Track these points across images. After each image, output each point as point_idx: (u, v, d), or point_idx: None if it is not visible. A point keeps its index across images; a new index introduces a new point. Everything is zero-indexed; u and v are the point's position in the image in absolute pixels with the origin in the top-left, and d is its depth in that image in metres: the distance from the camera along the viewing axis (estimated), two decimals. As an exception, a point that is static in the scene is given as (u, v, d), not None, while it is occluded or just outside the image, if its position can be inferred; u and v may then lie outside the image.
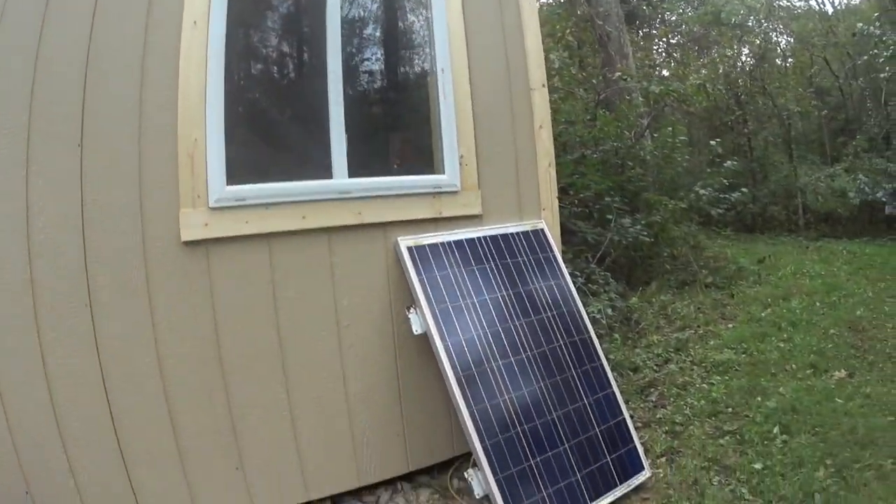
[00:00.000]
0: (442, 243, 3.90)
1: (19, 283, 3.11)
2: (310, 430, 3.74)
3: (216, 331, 3.48)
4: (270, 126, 3.97)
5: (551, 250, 4.24)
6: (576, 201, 7.05)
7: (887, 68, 10.69)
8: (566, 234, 6.82)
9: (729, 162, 8.52)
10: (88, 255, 3.22)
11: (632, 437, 4.05)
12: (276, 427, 3.67)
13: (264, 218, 3.54)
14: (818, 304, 6.94)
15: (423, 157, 4.07)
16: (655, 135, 8.37)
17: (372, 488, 4.08)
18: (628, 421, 4.08)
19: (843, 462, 3.96)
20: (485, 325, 3.81)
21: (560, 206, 6.68)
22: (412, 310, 3.71)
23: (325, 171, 3.72)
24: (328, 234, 3.72)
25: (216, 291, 3.46)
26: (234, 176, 3.45)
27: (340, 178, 3.74)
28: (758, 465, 4.05)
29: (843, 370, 5.28)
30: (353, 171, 3.78)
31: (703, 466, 4.14)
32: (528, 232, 4.22)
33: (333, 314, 3.76)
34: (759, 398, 4.91)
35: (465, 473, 3.61)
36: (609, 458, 3.90)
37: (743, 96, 11.96)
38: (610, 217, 6.90)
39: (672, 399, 5.12)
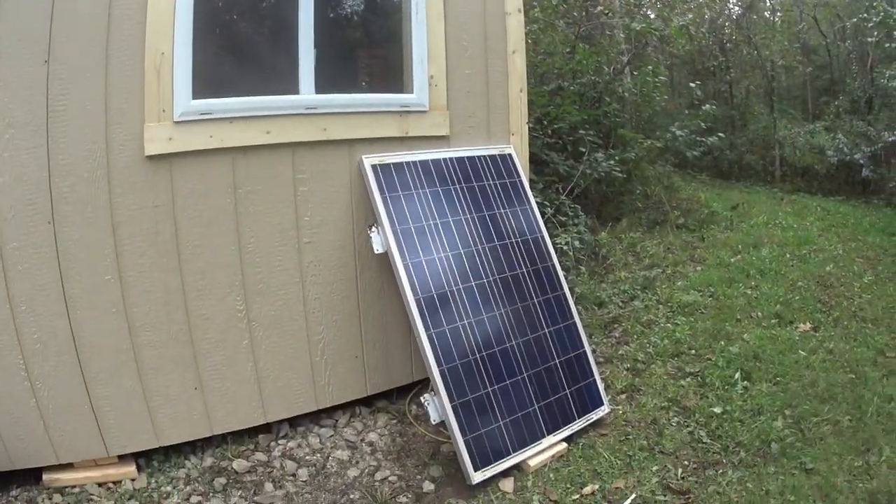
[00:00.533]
0: (407, 163, 3.80)
1: None
2: (268, 348, 3.70)
3: (177, 244, 3.41)
4: (239, 40, 3.88)
5: (518, 176, 4.15)
6: (549, 132, 6.93)
7: (875, 33, 10.53)
8: (538, 164, 6.75)
9: (707, 105, 8.39)
10: (52, 166, 3.12)
11: (592, 371, 4.02)
12: (234, 344, 3.62)
13: (229, 132, 3.45)
14: (788, 255, 6.89)
15: (393, 76, 3.98)
16: (635, 73, 8.21)
17: (330, 411, 4.06)
18: (589, 354, 4.05)
19: (802, 414, 3.96)
20: (447, 247, 3.73)
21: (533, 137, 6.65)
22: (374, 228, 3.63)
23: (292, 87, 3.61)
24: (292, 149, 3.62)
25: (178, 205, 3.38)
26: (200, 90, 3.35)
27: (307, 94, 3.63)
28: (717, 409, 4.04)
29: (808, 323, 5.24)
30: (321, 88, 3.66)
31: (663, 406, 4.13)
32: (495, 156, 4.12)
33: (295, 231, 3.69)
34: (722, 342, 4.89)
35: (421, 398, 3.55)
36: (568, 391, 3.87)
37: (728, 44, 11.76)
38: (583, 150, 6.77)
39: (635, 336, 5.10)
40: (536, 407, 3.70)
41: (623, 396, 4.28)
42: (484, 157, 4.07)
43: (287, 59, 3.59)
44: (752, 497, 3.29)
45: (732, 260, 6.66)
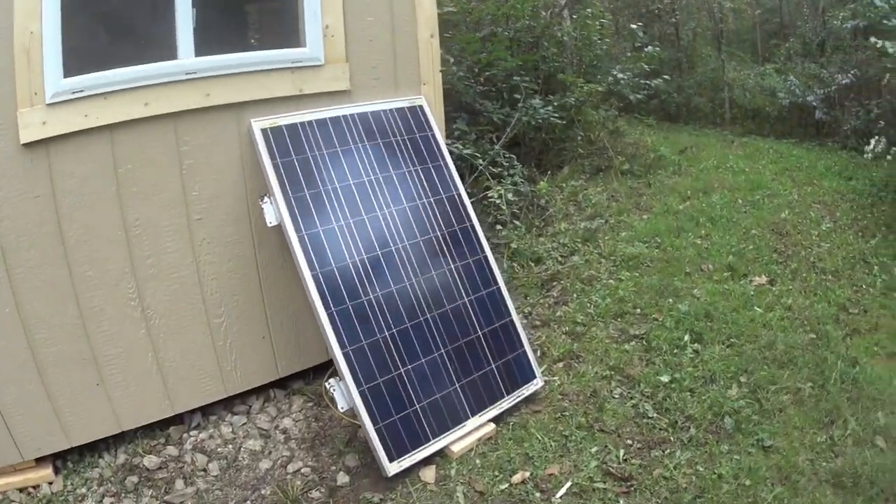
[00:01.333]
0: (302, 123, 3.46)
1: None
2: (167, 336, 3.42)
3: (61, 234, 3.12)
4: (112, 9, 3.48)
5: (430, 129, 3.82)
6: (482, 80, 6.52)
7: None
8: (472, 114, 6.41)
9: (650, 47, 8.00)
10: None
11: (521, 342, 3.73)
12: (130, 335, 3.35)
13: (103, 108, 3.11)
14: (740, 201, 6.54)
15: (288, 31, 3.59)
16: (575, 16, 7.80)
17: (243, 396, 3.80)
18: (517, 323, 3.75)
19: (759, 381, 3.67)
20: (348, 215, 3.41)
21: (466, 86, 6.27)
22: (266, 199, 3.31)
23: (170, 52, 3.24)
24: (174, 119, 3.27)
25: (59, 193, 3.09)
26: (73, 67, 3.03)
27: (186, 58, 3.25)
28: (664, 378, 3.73)
29: (763, 276, 4.95)
30: (203, 50, 3.29)
31: (605, 375, 3.83)
32: (403, 109, 3.78)
33: (184, 207, 3.37)
34: (670, 300, 4.56)
35: (326, 384, 3.25)
36: (494, 366, 3.59)
37: None
38: (519, 97, 6.38)
39: (575, 295, 4.75)
40: (458, 386, 3.42)
41: (560, 365, 3.97)
42: (391, 110, 3.72)
43: (164, 23, 3.23)
44: (702, 482, 3.02)
45: (681, 207, 6.30)
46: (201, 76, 3.26)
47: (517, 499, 3.00)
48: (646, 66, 7.90)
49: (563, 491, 3.01)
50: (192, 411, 3.62)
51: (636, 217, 6.10)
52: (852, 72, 8.93)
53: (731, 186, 6.88)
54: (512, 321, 3.70)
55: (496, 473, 3.15)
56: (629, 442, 3.31)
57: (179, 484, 3.24)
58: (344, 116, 3.56)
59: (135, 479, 3.27)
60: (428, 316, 3.42)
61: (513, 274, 5.02)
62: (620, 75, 7.32)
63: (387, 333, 3.28)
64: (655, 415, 3.46)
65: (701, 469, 3.08)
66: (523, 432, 3.40)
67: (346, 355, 3.14)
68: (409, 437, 3.18)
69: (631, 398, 3.61)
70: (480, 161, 5.74)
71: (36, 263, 3.08)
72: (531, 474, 3.12)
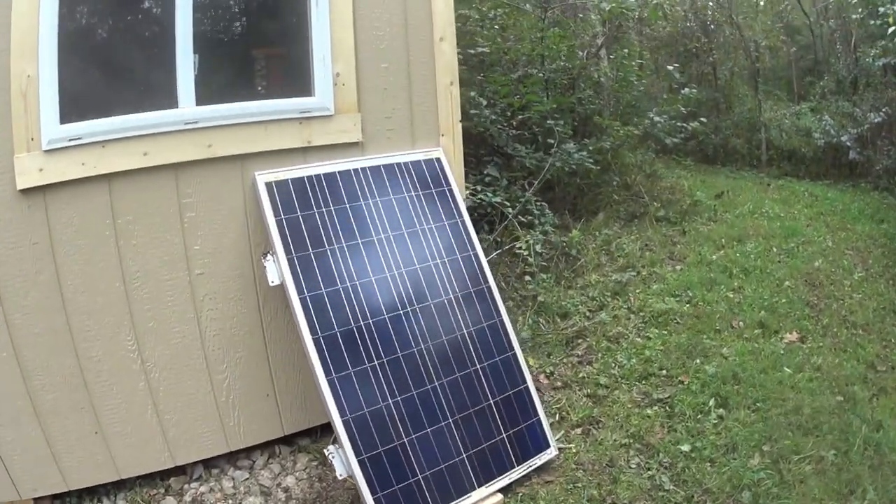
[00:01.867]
0: (309, 177, 3.10)
1: None
2: (167, 390, 3.11)
3: (59, 283, 2.88)
4: (111, 52, 3.19)
5: (447, 184, 3.42)
6: (513, 123, 6.09)
7: (859, 10, 9.55)
8: (505, 158, 5.97)
9: (686, 89, 7.45)
10: None
11: (535, 410, 3.28)
12: (130, 387, 3.06)
13: (101, 157, 2.85)
14: (775, 249, 5.97)
15: (296, 78, 3.25)
16: (612, 56, 7.32)
17: (249, 451, 3.44)
18: (532, 390, 3.31)
19: (782, 450, 3.25)
20: (355, 276, 3.03)
21: (499, 129, 5.83)
22: (268, 257, 2.96)
23: (170, 100, 2.95)
24: (175, 171, 2.97)
25: (56, 241, 2.85)
26: (70, 112, 2.81)
27: (186, 106, 2.96)
28: (685, 447, 3.31)
29: (794, 332, 4.43)
30: (204, 98, 2.99)
31: (623, 443, 3.40)
32: (419, 162, 3.39)
33: (184, 262, 3.05)
34: (698, 360, 4.08)
35: (325, 451, 2.86)
36: (505, 435, 3.15)
37: (711, 25, 10.75)
38: (552, 141, 5.94)
39: (600, 355, 4.26)
40: (465, 456, 3.00)
41: (578, 431, 3.53)
42: (405, 163, 3.34)
43: (164, 70, 2.94)
44: None
45: (714, 257, 5.75)
46: (203, 126, 2.96)
47: None
48: (683, 109, 7.35)
49: None
50: (195, 463, 3.28)
51: (669, 268, 5.57)
52: (884, 110, 8.34)
53: (766, 234, 6.31)
54: (527, 388, 3.27)
55: None
56: None
57: None
58: (355, 170, 3.19)
59: None
60: (436, 384, 3.02)
61: (537, 330, 4.56)
62: (657, 118, 6.80)
63: (391, 401, 2.89)
64: (672, 487, 3.06)
65: None
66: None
67: (345, 423, 2.77)
68: (407, 509, 2.78)
69: (648, 469, 3.19)
70: (510, 209, 5.31)
71: (33, 310, 2.85)
72: None
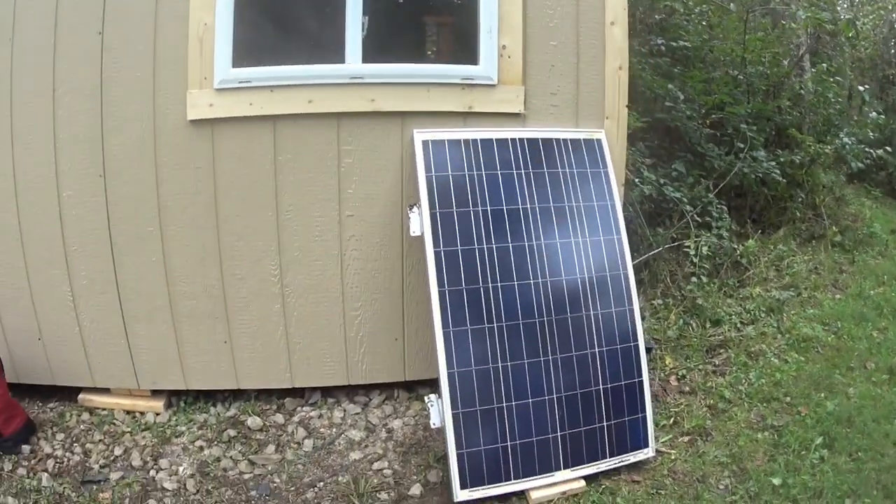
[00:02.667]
0: (465, 140, 3.20)
1: (47, 144, 3.17)
2: (300, 316, 3.38)
3: (216, 205, 3.25)
4: (283, 9, 3.55)
5: (604, 166, 3.37)
6: (707, 122, 5.85)
7: None
8: (696, 156, 5.76)
9: (874, 113, 6.76)
10: (106, 123, 3.15)
11: (644, 406, 3.19)
12: (265, 306, 3.36)
13: (268, 100, 3.16)
14: None
15: (463, 46, 3.41)
16: (814, 69, 6.80)
17: (368, 389, 3.66)
18: (646, 386, 3.22)
19: None
20: (493, 239, 3.10)
21: (695, 126, 5.64)
22: (414, 209, 3.09)
23: (338, 55, 3.19)
24: (337, 119, 3.21)
25: (219, 168, 3.22)
26: (242, 58, 3.19)
27: (353, 63, 3.18)
28: (776, 480, 3.12)
29: None
30: (370, 57, 3.21)
31: (722, 462, 3.27)
32: (579, 140, 3.37)
33: (336, 203, 3.29)
34: (822, 394, 3.82)
35: (425, 398, 2.96)
36: (606, 424, 3.10)
37: None
38: (742, 146, 5.65)
39: (735, 368, 4.08)
40: (559, 435, 3.00)
41: (685, 440, 3.41)
42: (564, 140, 3.33)
43: (333, 27, 3.19)
44: None
45: (873, 292, 5.30)
46: (367, 82, 3.17)
47: None
48: (871, 134, 6.70)
49: None
50: (314, 389, 3.55)
51: (829, 295, 5.21)
52: None
53: None
54: (641, 382, 3.18)
55: None
56: None
57: (270, 449, 3.24)
58: (512, 139, 3.24)
59: (233, 433, 3.32)
60: (550, 357, 3.03)
61: (684, 331, 4.43)
62: (846, 139, 6.26)
63: (500, 365, 2.95)
64: None
65: None
66: (609, 499, 2.93)
67: (450, 375, 2.87)
68: (489, 470, 2.86)
69: (733, 494, 3.05)
70: (688, 207, 5.13)
71: (188, 225, 3.22)
72: None
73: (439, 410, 2.88)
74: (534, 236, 3.15)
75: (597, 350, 3.12)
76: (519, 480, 2.91)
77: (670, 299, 4.76)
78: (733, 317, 4.69)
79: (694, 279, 4.88)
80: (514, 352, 2.98)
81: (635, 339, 3.21)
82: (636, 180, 4.97)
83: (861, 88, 7.06)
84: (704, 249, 4.89)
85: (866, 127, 6.91)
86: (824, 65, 6.56)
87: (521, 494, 2.93)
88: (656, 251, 4.82)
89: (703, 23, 6.18)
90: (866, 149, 6.68)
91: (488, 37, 3.19)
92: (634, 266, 4.61)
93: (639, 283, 4.79)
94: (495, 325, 2.97)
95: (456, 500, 2.82)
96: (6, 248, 3.26)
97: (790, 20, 6.52)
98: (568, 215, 3.23)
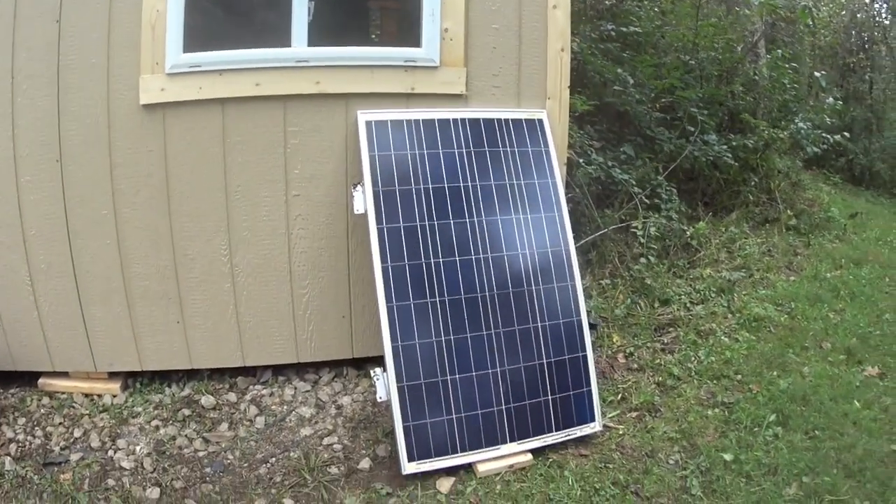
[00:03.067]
0: (408, 121, 3.31)
1: (5, 130, 3.25)
2: (250, 293, 3.50)
3: (167, 187, 3.35)
4: None
5: (545, 145, 3.49)
6: (657, 106, 6.03)
7: None
8: (646, 139, 5.94)
9: (831, 98, 6.98)
10: (62, 111, 3.26)
11: (589, 381, 3.31)
12: (216, 286, 3.47)
13: (217, 84, 3.28)
14: (888, 279, 5.56)
15: (407, 30, 3.53)
16: (769, 56, 6.99)
17: (317, 367, 3.77)
18: (590, 361, 3.33)
19: (819, 487, 3.04)
20: (434, 216, 3.22)
21: (643, 111, 5.79)
22: (357, 187, 3.19)
23: (284, 39, 3.32)
24: (284, 102, 3.32)
25: (170, 151, 3.34)
26: (192, 44, 3.32)
27: (298, 46, 3.30)
28: (728, 456, 3.22)
29: (876, 367, 4.13)
30: (316, 41, 3.33)
31: (671, 437, 3.37)
32: (521, 121, 3.49)
33: (283, 183, 3.39)
34: (775, 372, 3.95)
35: (371, 371, 3.09)
36: (550, 398, 3.22)
37: (867, 44, 9.94)
38: (692, 129, 5.84)
39: (684, 346, 4.22)
40: (504, 408, 3.12)
41: (633, 415, 3.54)
42: (505, 120, 3.45)
43: (280, 13, 3.32)
44: None
45: (829, 275, 5.49)
46: (312, 65, 3.27)
47: None
48: (828, 119, 6.92)
49: None
50: (265, 367, 3.66)
51: (783, 277, 5.38)
52: None
53: (884, 262, 5.92)
54: (585, 357, 3.30)
55: None
56: None
57: (224, 427, 3.35)
58: (454, 120, 3.35)
59: (188, 412, 3.44)
60: (493, 332, 3.15)
61: (633, 310, 4.56)
62: (801, 125, 6.45)
63: (443, 338, 3.07)
64: (699, 493, 2.98)
65: None
66: (557, 472, 3.04)
67: (394, 349, 2.99)
68: (435, 443, 2.97)
69: (684, 469, 3.13)
70: (636, 189, 5.28)
71: (141, 207, 3.32)
72: None
73: (385, 384, 2.99)
74: (475, 213, 3.26)
75: (539, 325, 3.24)
76: (466, 453, 3.02)
77: (619, 279, 4.90)
78: (682, 297, 4.85)
79: (643, 259, 5.02)
80: (458, 326, 3.10)
81: (578, 315, 3.33)
82: (581, 162, 5.10)
83: (817, 74, 7.25)
84: (652, 230, 5.05)
85: (823, 112, 7.12)
86: (779, 51, 6.74)
87: (469, 467, 3.03)
88: (603, 231, 4.97)
89: (656, 9, 6.33)
90: (823, 134, 6.89)
91: (431, 20, 3.29)
92: (582, 246, 4.80)
93: (587, 263, 5.00)
94: (437, 299, 3.09)
95: (404, 472, 2.92)
96: None
97: (744, 7, 6.69)
98: (509, 193, 3.35)
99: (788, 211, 6.45)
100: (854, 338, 4.44)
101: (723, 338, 4.33)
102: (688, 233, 5.49)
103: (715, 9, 6.84)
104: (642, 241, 4.99)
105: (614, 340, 4.19)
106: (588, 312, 3.85)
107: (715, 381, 3.86)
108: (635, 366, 4.00)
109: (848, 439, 3.36)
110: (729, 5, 7.13)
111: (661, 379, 3.85)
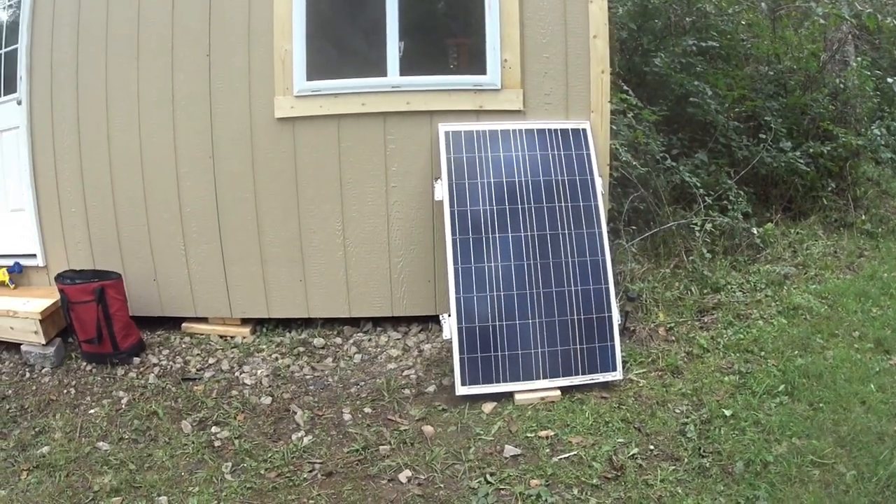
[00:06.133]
0: (477, 131, 4.57)
1: (168, 135, 4.79)
2: (357, 260, 4.83)
3: (296, 177, 4.75)
4: (340, 35, 5.02)
5: (586, 148, 4.61)
6: (731, 114, 6.87)
7: None
8: (726, 148, 6.79)
9: None
10: (214, 122, 4.75)
11: (612, 336, 4.31)
12: (331, 254, 4.82)
13: (333, 104, 4.66)
14: None
15: (477, 60, 4.70)
16: (854, 63, 7.58)
17: (408, 321, 5.05)
18: (614, 320, 4.33)
19: (808, 449, 3.54)
20: (494, 202, 4.43)
21: (721, 120, 6.72)
22: (438, 181, 4.45)
23: (382, 70, 4.67)
24: (383, 117, 4.66)
25: (297, 151, 4.74)
26: (313, 73, 4.68)
27: (393, 76, 4.65)
28: (728, 412, 3.89)
29: None
30: (406, 70, 4.66)
31: (684, 393, 4.15)
32: (567, 130, 4.65)
33: (384, 176, 4.72)
34: (797, 352, 4.54)
35: (440, 316, 4.32)
36: (579, 347, 4.27)
37: None
38: (763, 137, 6.65)
39: (720, 326, 4.99)
40: (540, 351, 4.23)
41: (656, 374, 4.39)
42: (555, 129, 4.62)
43: (378, 50, 4.64)
44: (672, 501, 3.25)
45: (886, 275, 5.89)
46: (404, 90, 4.61)
47: (529, 446, 3.68)
48: None
49: (564, 456, 3.58)
50: (367, 319, 4.99)
51: (839, 275, 5.92)
52: None
53: None
54: (609, 317, 4.33)
55: (532, 425, 3.85)
56: (651, 447, 3.65)
57: (329, 360, 4.66)
58: (513, 130, 4.58)
59: (302, 349, 4.79)
60: (534, 291, 4.30)
61: (683, 295, 5.41)
62: (877, 131, 7.05)
63: (496, 294, 4.25)
64: (693, 436, 3.70)
65: (679, 492, 3.31)
66: (578, 407, 4.01)
67: (458, 300, 4.21)
68: (483, 373, 4.14)
69: (687, 416, 3.89)
70: (701, 190, 6.15)
71: (275, 193, 4.72)
72: (556, 435, 3.76)
73: (449, 326, 4.21)
74: (525, 201, 4.44)
75: (573, 288, 4.36)
76: (507, 383, 4.15)
77: (682, 271, 5.75)
78: (733, 285, 5.55)
79: (707, 253, 5.78)
80: (507, 285, 4.27)
81: (606, 283, 4.40)
82: (637, 164, 5.98)
83: (890, 80, 7.73)
84: (708, 227, 5.91)
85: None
86: (859, 58, 7.35)
87: (509, 396, 4.10)
88: (666, 227, 5.96)
89: (743, 22, 7.20)
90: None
91: (493, 53, 4.55)
92: (651, 240, 5.78)
93: (655, 255, 5.93)
94: (493, 264, 4.29)
95: (458, 393, 4.09)
96: (133, 207, 4.85)
97: (814, 16, 7.35)
98: (554, 186, 4.50)
99: (863, 215, 7.00)
100: (889, 330, 4.85)
101: (758, 321, 5.00)
102: (755, 232, 6.27)
103: (790, 18, 7.49)
104: (698, 236, 5.82)
105: (659, 317, 5.08)
106: (629, 289, 4.96)
107: (738, 355, 4.56)
108: (672, 338, 4.80)
109: (852, 415, 3.80)
110: (807, 14, 7.72)
111: (689, 349, 4.65)
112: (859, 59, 7.40)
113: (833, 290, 5.56)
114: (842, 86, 7.35)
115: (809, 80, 7.28)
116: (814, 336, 4.78)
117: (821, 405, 3.94)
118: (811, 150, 6.86)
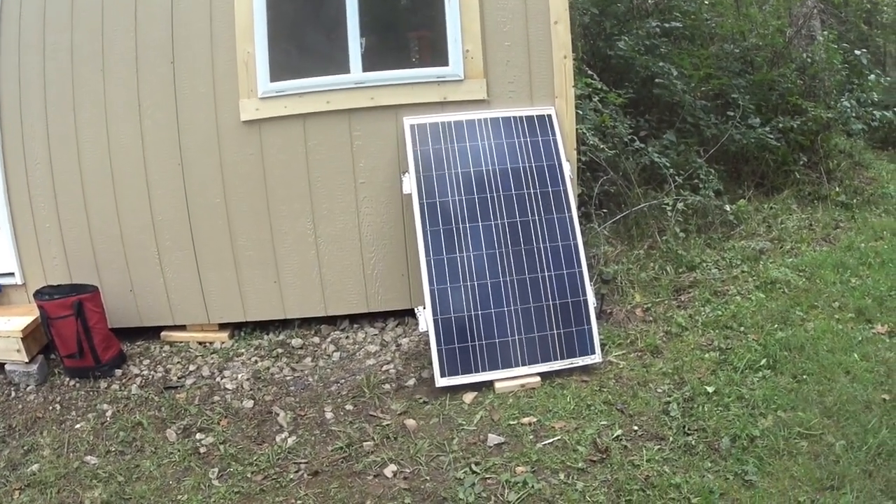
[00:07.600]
0: (442, 122, 4.70)
1: (136, 144, 4.89)
2: (329, 258, 4.94)
3: (265, 179, 4.86)
4: (302, 35, 5.11)
5: (552, 134, 4.75)
6: (697, 94, 7.04)
7: None
8: (694, 127, 6.97)
9: (872, 75, 7.67)
10: (181, 129, 4.85)
11: (589, 320, 4.45)
12: (304, 253, 4.93)
13: (298, 103, 4.78)
14: None
15: (439, 52, 4.83)
16: (820, 38, 7.81)
17: (384, 316, 5.17)
18: (590, 303, 4.47)
19: (794, 421, 3.65)
20: (463, 192, 4.56)
21: (688, 100, 6.87)
22: (405, 174, 4.56)
23: (345, 67, 4.78)
24: (348, 114, 4.78)
25: (265, 153, 4.85)
26: (276, 74, 4.79)
27: (356, 72, 4.77)
28: (711, 388, 4.01)
29: (886, 325, 4.67)
30: (369, 66, 4.78)
31: (665, 372, 4.28)
32: (532, 116, 4.79)
33: (352, 173, 4.84)
34: (776, 325, 4.70)
35: (415, 309, 4.45)
36: (556, 332, 4.41)
37: None
38: (731, 114, 6.84)
39: (697, 304, 5.15)
40: (517, 338, 4.36)
41: (636, 355, 4.53)
42: (520, 117, 4.76)
43: (340, 47, 4.76)
44: (658, 483, 3.32)
45: (864, 245, 6.08)
46: (367, 85, 4.71)
47: (512, 434, 3.79)
48: (875, 96, 7.63)
49: (548, 441, 3.68)
50: (343, 317, 5.10)
51: (815, 247, 6.11)
52: None
53: None
54: (585, 301, 4.47)
55: (514, 412, 3.97)
56: (635, 428, 3.76)
57: (307, 360, 4.77)
58: (477, 120, 4.71)
59: (280, 350, 4.90)
60: (508, 279, 4.44)
61: (658, 275, 5.59)
62: (846, 103, 7.24)
63: (469, 284, 4.38)
64: (677, 415, 3.81)
65: (667, 470, 3.40)
66: (559, 392, 4.13)
67: (431, 292, 4.33)
68: (462, 363, 4.27)
69: (669, 395, 4.01)
70: (670, 171, 6.33)
71: (245, 196, 4.82)
72: (538, 421, 3.88)
73: (424, 318, 4.33)
74: (494, 189, 4.57)
75: (546, 274, 4.49)
76: (486, 372, 4.27)
77: (656, 251, 5.94)
78: (708, 263, 5.73)
79: (680, 233, 5.98)
80: (480, 274, 4.40)
81: (579, 266, 4.54)
82: (605, 147, 6.19)
83: (857, 53, 7.92)
84: (680, 206, 6.09)
85: (871, 90, 7.70)
86: (825, 32, 7.56)
87: (489, 385, 4.23)
88: (637, 208, 6.13)
89: (706, 1, 7.38)
90: (873, 112, 7.55)
91: (455, 44, 4.67)
92: (623, 222, 5.93)
93: (628, 237, 6.12)
94: (465, 254, 4.42)
95: (437, 385, 4.21)
96: (105, 219, 4.91)
97: None
98: (522, 172, 4.63)
99: (837, 188, 7.19)
100: (870, 299, 5.01)
101: (736, 297, 5.16)
102: (728, 209, 6.46)
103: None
104: (670, 215, 6.01)
105: (636, 298, 5.24)
106: (604, 272, 5.11)
107: (717, 331, 4.70)
108: (650, 318, 4.98)
109: (836, 385, 3.93)
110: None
111: (668, 329, 4.80)
112: (825, 33, 7.59)
113: (810, 262, 5.74)
114: (809, 60, 7.54)
115: (776, 56, 7.48)
116: (793, 309, 4.95)
117: (804, 377, 4.07)
118: (781, 126, 7.06)
